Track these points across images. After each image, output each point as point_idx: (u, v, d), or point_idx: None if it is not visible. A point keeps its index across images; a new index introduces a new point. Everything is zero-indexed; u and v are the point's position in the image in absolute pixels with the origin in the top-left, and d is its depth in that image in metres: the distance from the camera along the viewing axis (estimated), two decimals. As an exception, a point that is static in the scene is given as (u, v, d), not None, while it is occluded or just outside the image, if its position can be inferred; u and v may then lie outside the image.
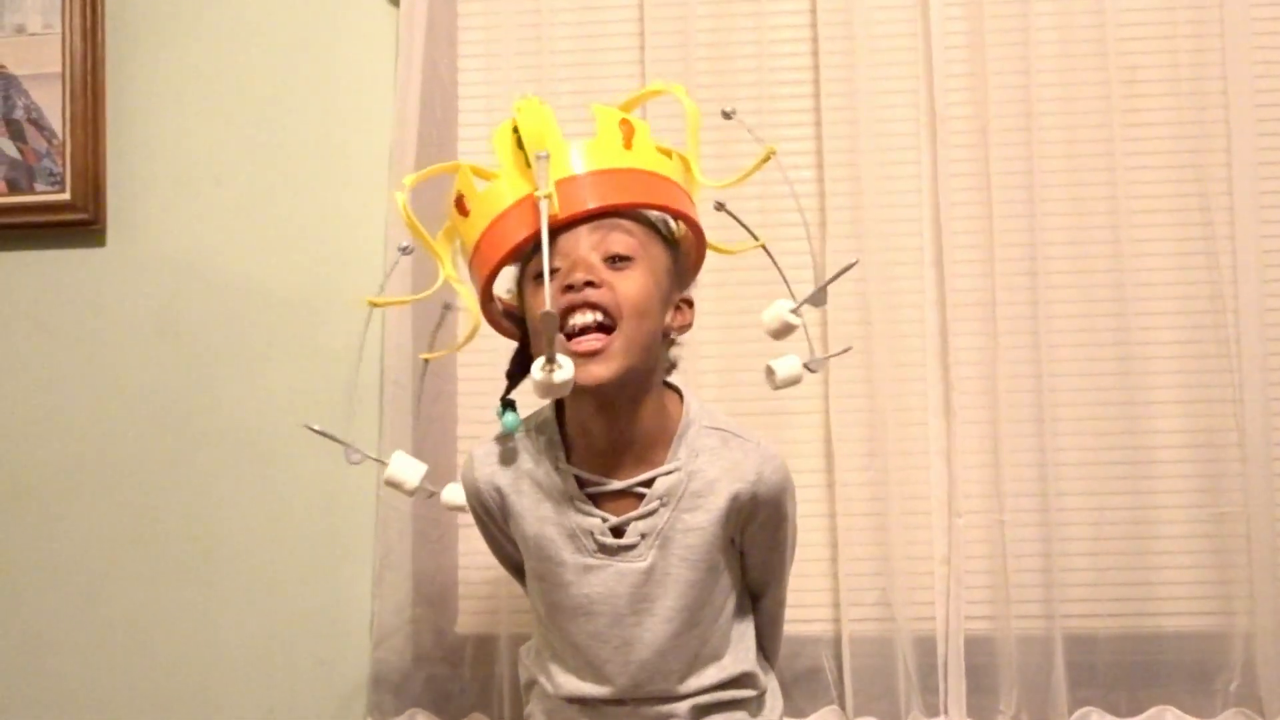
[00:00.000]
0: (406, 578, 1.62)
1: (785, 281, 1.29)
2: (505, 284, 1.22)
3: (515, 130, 1.12)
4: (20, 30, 1.73)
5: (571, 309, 1.09)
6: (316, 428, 1.26)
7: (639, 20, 1.67)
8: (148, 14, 1.74)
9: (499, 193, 1.13)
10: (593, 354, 1.09)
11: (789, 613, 1.32)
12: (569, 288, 1.09)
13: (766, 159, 1.23)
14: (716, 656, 1.20)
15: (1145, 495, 1.58)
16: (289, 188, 1.71)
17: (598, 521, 1.16)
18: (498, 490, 1.20)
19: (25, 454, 1.72)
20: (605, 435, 1.16)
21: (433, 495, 1.29)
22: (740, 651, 1.22)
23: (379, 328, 1.63)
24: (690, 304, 1.21)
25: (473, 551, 1.63)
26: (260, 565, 1.68)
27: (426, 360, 1.50)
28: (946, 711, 1.56)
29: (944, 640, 1.57)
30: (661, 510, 1.15)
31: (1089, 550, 1.58)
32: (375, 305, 1.29)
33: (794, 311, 1.24)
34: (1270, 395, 1.57)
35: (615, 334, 1.10)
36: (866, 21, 1.62)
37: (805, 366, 1.26)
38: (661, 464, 1.16)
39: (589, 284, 1.09)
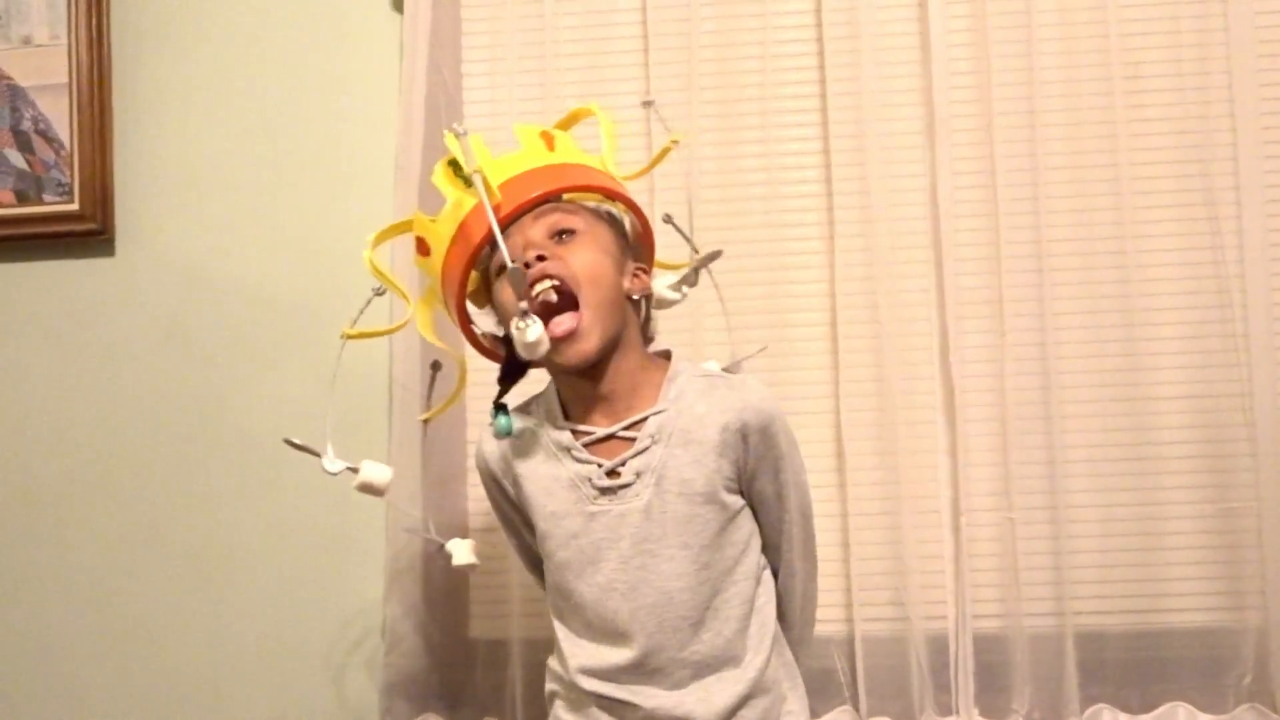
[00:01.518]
0: (418, 582, 1.62)
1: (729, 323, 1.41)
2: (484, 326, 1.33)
3: (450, 164, 1.24)
4: (27, 41, 1.73)
5: (531, 284, 1.17)
6: (296, 441, 1.31)
7: (642, 24, 1.68)
8: (153, 23, 1.75)
9: (450, 215, 1.24)
10: (570, 336, 1.17)
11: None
12: (525, 266, 1.17)
13: (669, 149, 1.32)
14: (736, 621, 1.20)
15: (1154, 491, 1.58)
16: (295, 195, 1.72)
17: (594, 467, 1.21)
18: (504, 459, 1.28)
19: (36, 462, 1.72)
20: (595, 392, 1.23)
21: (355, 471, 1.33)
22: (757, 660, 1.22)
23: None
24: (647, 271, 1.30)
25: (484, 555, 1.62)
26: (271, 570, 1.68)
27: (425, 422, 1.54)
28: (960, 710, 1.55)
29: (955, 639, 1.57)
30: (654, 448, 1.20)
31: (1099, 547, 1.58)
32: (349, 338, 1.33)
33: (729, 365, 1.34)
34: (1279, 390, 1.57)
35: (581, 309, 1.18)
36: (870, 21, 1.63)
37: (724, 370, 1.33)
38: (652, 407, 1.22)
39: (540, 258, 1.18)
